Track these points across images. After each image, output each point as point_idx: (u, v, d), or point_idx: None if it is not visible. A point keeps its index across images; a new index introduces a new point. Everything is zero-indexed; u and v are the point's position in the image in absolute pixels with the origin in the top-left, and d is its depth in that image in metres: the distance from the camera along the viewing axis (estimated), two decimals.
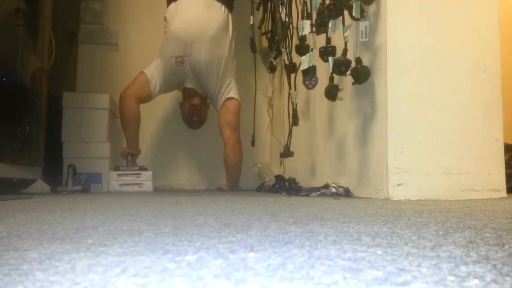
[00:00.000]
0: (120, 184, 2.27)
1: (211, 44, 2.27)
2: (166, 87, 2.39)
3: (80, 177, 2.21)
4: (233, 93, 2.38)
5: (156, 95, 2.38)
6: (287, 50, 2.03)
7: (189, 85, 2.37)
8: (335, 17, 1.48)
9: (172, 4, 2.35)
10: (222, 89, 2.36)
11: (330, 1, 1.51)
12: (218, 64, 2.32)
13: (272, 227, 0.61)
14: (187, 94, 2.43)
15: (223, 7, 2.34)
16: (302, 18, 1.77)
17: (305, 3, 1.75)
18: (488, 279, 0.32)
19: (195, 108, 2.43)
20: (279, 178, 2.05)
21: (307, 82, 1.62)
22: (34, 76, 1.94)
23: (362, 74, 1.43)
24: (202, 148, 2.78)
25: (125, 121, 2.34)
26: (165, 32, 2.36)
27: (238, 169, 2.42)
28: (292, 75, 1.97)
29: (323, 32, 1.55)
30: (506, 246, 0.45)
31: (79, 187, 2.08)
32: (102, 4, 2.78)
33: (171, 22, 2.30)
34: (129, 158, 2.36)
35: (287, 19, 2.03)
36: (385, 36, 1.40)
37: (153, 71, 2.33)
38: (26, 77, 1.89)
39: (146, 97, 2.35)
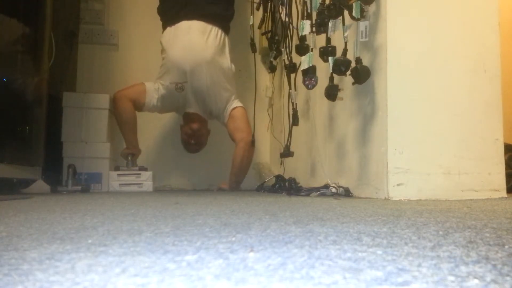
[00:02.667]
0: (120, 184, 2.27)
1: (210, 69, 2.30)
2: (160, 108, 2.42)
3: (80, 177, 2.21)
4: (237, 103, 2.42)
5: (147, 109, 2.39)
6: (287, 50, 2.03)
7: (191, 110, 2.41)
8: (335, 17, 1.48)
9: (168, 30, 2.36)
10: (227, 105, 2.40)
11: (330, 1, 1.51)
12: (219, 86, 2.35)
13: (272, 227, 0.61)
14: (188, 118, 2.46)
15: (219, 31, 2.36)
16: (302, 18, 1.77)
17: (305, 3, 1.75)
18: (488, 279, 0.32)
19: (194, 132, 2.44)
20: (279, 178, 2.05)
21: (307, 82, 1.62)
22: (34, 76, 1.94)
23: (362, 74, 1.43)
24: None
25: (121, 122, 2.34)
26: (163, 58, 2.37)
27: (243, 172, 2.43)
28: (292, 75, 1.97)
29: (323, 32, 1.55)
30: (506, 246, 0.45)
31: (79, 187, 2.08)
32: (102, 4, 2.77)
33: (168, 49, 2.32)
34: (129, 158, 2.36)
35: (287, 19, 2.03)
36: (385, 36, 1.40)
37: (152, 89, 2.35)
38: (26, 77, 1.89)
39: (138, 106, 2.36)
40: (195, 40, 2.30)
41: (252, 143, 2.48)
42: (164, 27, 2.41)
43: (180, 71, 2.29)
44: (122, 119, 2.33)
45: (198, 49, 2.29)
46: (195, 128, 2.42)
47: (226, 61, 2.37)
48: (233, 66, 2.42)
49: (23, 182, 1.97)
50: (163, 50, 2.38)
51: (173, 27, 2.34)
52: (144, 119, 2.49)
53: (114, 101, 2.32)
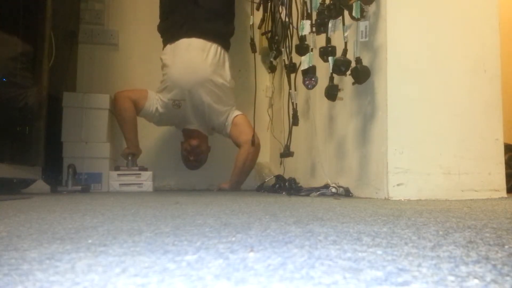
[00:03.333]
0: (120, 184, 2.27)
1: (210, 87, 2.31)
2: (157, 120, 2.43)
3: (80, 177, 2.21)
4: (236, 112, 2.43)
5: (145, 114, 2.39)
6: (287, 50, 2.03)
7: (191, 126, 2.42)
8: (335, 17, 1.48)
9: (168, 47, 2.37)
10: (228, 117, 2.42)
11: (330, 1, 1.51)
12: (219, 103, 2.37)
13: (272, 227, 0.61)
14: (188, 134, 2.47)
15: (219, 47, 2.37)
16: (302, 18, 1.77)
17: (305, 3, 1.75)
18: (488, 279, 0.32)
19: (193, 149, 2.45)
20: (279, 178, 2.05)
21: (307, 82, 1.62)
22: (34, 76, 1.94)
23: (362, 74, 1.43)
24: None
25: (122, 121, 2.34)
26: (163, 74, 2.38)
27: (245, 173, 2.43)
28: (292, 75, 1.97)
29: (323, 32, 1.55)
30: (506, 246, 0.45)
31: (79, 187, 2.08)
32: (102, 4, 2.78)
33: (168, 67, 2.33)
34: (130, 158, 2.36)
35: (287, 19, 2.03)
36: (385, 36, 1.40)
37: (155, 97, 2.36)
38: (25, 77, 1.89)
39: (137, 108, 2.36)
40: (195, 58, 2.31)
41: (252, 143, 2.48)
42: (164, 44, 2.42)
43: (179, 89, 2.30)
44: (123, 119, 2.33)
45: (198, 68, 2.30)
46: (194, 144, 2.43)
47: (226, 77, 2.38)
48: (233, 81, 2.44)
49: (23, 182, 1.97)
50: (163, 67, 2.38)
51: (173, 44, 2.35)
52: (145, 119, 2.49)
53: (115, 101, 2.33)
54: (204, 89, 2.30)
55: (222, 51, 2.39)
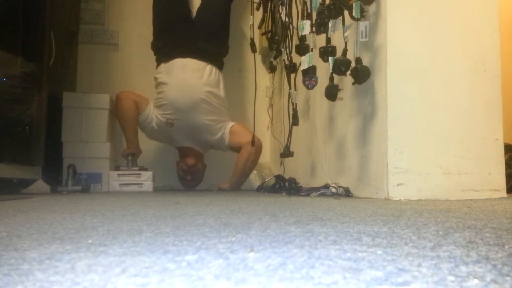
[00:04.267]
0: (120, 184, 2.27)
1: (206, 106, 2.31)
2: (150, 133, 2.42)
3: (80, 177, 2.21)
4: (230, 123, 2.43)
5: (142, 119, 2.37)
6: (287, 50, 2.03)
7: (186, 145, 2.41)
8: (335, 17, 1.48)
9: (162, 66, 2.36)
10: (225, 131, 2.41)
11: (330, 1, 1.51)
12: (214, 121, 2.36)
13: (272, 227, 0.61)
14: (183, 152, 2.47)
15: (213, 68, 2.36)
16: (302, 18, 1.77)
17: (305, 3, 1.75)
18: (488, 279, 0.32)
19: (190, 168, 2.44)
20: (279, 178, 2.05)
21: (307, 82, 1.62)
22: (34, 76, 1.94)
23: (362, 74, 1.43)
24: None
25: (124, 121, 2.34)
26: (158, 92, 2.37)
27: (246, 174, 2.43)
28: (292, 75, 1.97)
29: (323, 32, 1.55)
30: (506, 246, 0.45)
31: (79, 187, 2.08)
32: (102, 4, 2.78)
33: (163, 86, 2.32)
34: (130, 158, 2.36)
35: (287, 19, 2.03)
36: (385, 36, 1.40)
37: (152, 111, 2.35)
38: (25, 77, 1.89)
39: (139, 110, 2.36)
40: (190, 79, 2.30)
41: (252, 143, 2.48)
42: (158, 63, 2.41)
43: (173, 109, 2.30)
44: (125, 118, 2.33)
45: (194, 89, 2.30)
46: (191, 164, 2.42)
47: (220, 97, 2.38)
48: (226, 102, 2.44)
49: (23, 182, 1.97)
50: (158, 85, 2.37)
51: (167, 64, 2.34)
52: None
53: (117, 100, 2.33)
54: (200, 109, 2.30)
55: (217, 71, 2.39)
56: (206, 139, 2.41)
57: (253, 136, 2.47)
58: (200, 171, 2.49)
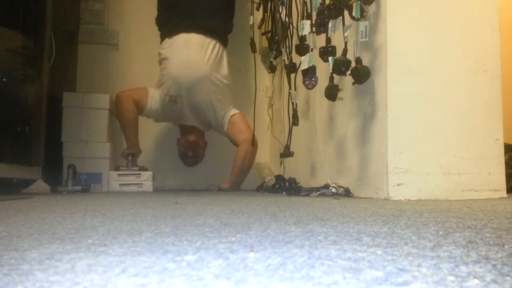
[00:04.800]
0: (120, 184, 2.27)
1: (208, 84, 2.31)
2: (159, 117, 2.43)
3: (80, 177, 2.21)
4: (234, 111, 2.43)
5: (147, 113, 2.39)
6: (287, 50, 2.03)
7: (188, 122, 2.42)
8: (335, 17, 1.48)
9: (166, 41, 2.36)
10: (225, 115, 2.41)
11: (330, 1, 1.51)
12: (216, 100, 2.36)
13: (272, 227, 0.61)
14: (185, 130, 2.47)
15: (217, 44, 2.36)
16: (302, 18, 1.77)
17: (305, 3, 1.75)
18: (488, 279, 0.32)
19: (191, 144, 2.45)
20: (279, 178, 2.05)
21: (307, 82, 1.62)
22: (34, 76, 1.94)
23: (362, 74, 1.43)
24: None
25: (123, 121, 2.34)
26: (161, 69, 2.37)
27: (244, 172, 2.43)
28: (292, 75, 1.97)
29: (323, 32, 1.55)
30: (506, 246, 0.45)
31: (79, 187, 2.08)
32: (102, 4, 2.78)
33: (166, 62, 2.32)
34: (130, 158, 2.36)
35: (287, 19, 2.03)
36: (385, 36, 1.40)
37: (155, 94, 2.36)
38: (25, 77, 1.89)
39: (139, 108, 2.37)
40: (193, 55, 2.30)
41: (252, 143, 2.48)
42: (162, 38, 2.41)
43: (176, 86, 2.30)
44: (125, 119, 2.33)
45: (196, 65, 2.30)
46: (192, 140, 2.43)
47: (223, 74, 2.38)
48: (230, 78, 2.43)
49: (23, 182, 1.97)
50: (161, 61, 2.38)
51: (171, 39, 2.34)
52: (145, 119, 2.49)
53: (117, 101, 2.33)
54: (202, 86, 2.30)
55: (221, 47, 2.39)
56: (208, 118, 2.41)
57: (253, 136, 2.47)
58: (201, 147, 2.50)
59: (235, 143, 2.43)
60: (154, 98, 2.35)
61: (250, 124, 2.44)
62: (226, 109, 2.42)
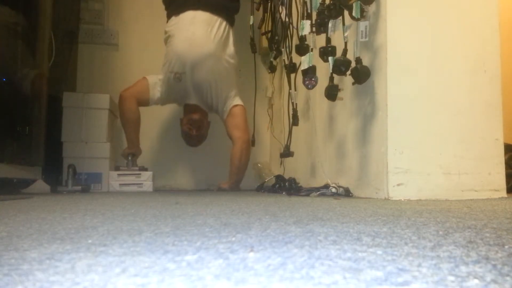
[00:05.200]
0: (120, 184, 2.27)
1: (213, 62, 2.28)
2: (164, 99, 2.41)
3: (80, 177, 2.21)
4: (237, 100, 2.40)
5: (154, 103, 2.39)
6: (287, 50, 2.03)
7: (191, 101, 2.39)
8: (335, 17, 1.48)
9: (173, 18, 2.35)
10: (228, 101, 2.38)
11: (330, 1, 1.51)
12: (221, 80, 2.33)
13: (272, 227, 0.61)
14: (188, 109, 2.45)
15: (224, 22, 2.34)
16: (302, 18, 1.77)
17: (305, 3, 1.75)
18: (488, 279, 0.32)
19: (195, 123, 2.43)
20: (279, 178, 2.05)
21: (307, 82, 1.62)
22: (34, 76, 1.94)
23: (362, 74, 1.43)
24: (202, 148, 2.78)
25: (125, 121, 2.34)
26: (167, 47, 2.36)
27: (242, 171, 2.42)
28: (292, 75, 1.97)
29: (323, 32, 1.55)
30: (506, 246, 0.45)
31: (79, 187, 2.08)
32: (102, 4, 2.78)
33: (172, 39, 2.30)
34: (130, 158, 2.36)
35: (287, 19, 2.03)
36: (385, 36, 1.40)
37: (155, 81, 2.34)
38: (25, 77, 1.89)
39: (144, 102, 2.36)
40: (199, 32, 2.27)
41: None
42: (168, 16, 2.39)
43: (180, 62, 2.27)
44: (127, 119, 2.33)
45: (202, 42, 2.27)
46: (196, 118, 2.41)
47: (229, 54, 2.35)
48: (236, 58, 2.40)
49: (23, 182, 1.97)
50: (166, 39, 2.35)
51: (178, 16, 2.32)
52: (145, 119, 2.49)
53: (119, 101, 2.32)
54: (206, 64, 2.27)
55: (227, 26, 2.36)
56: (210, 100, 2.38)
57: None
58: (204, 126, 2.48)
59: (229, 137, 2.42)
60: (155, 85, 2.33)
61: (251, 121, 2.43)
62: (229, 93, 2.38)
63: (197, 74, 2.28)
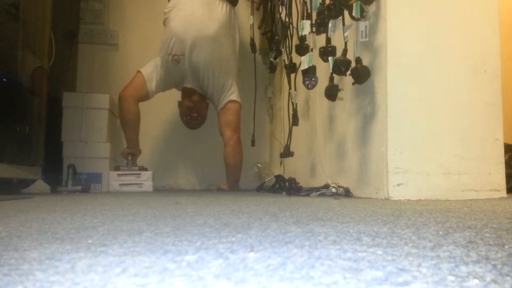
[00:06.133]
0: (120, 184, 2.27)
1: (212, 45, 2.24)
2: (163, 85, 2.36)
3: (80, 177, 2.21)
4: (234, 96, 2.37)
5: (154, 93, 2.35)
6: (287, 50, 2.03)
7: (188, 85, 2.35)
8: (335, 17, 1.48)
9: (173, 0, 2.31)
10: (224, 91, 2.34)
11: (330, 1, 1.51)
12: (219, 65, 2.29)
13: (272, 227, 0.61)
14: (186, 92, 2.41)
15: (225, 3, 2.29)
16: (302, 18, 1.77)
17: (305, 3, 1.75)
18: (488, 279, 0.32)
19: (195, 104, 2.39)
20: (279, 178, 2.05)
21: (307, 82, 1.62)
22: (34, 76, 1.94)
23: (362, 74, 1.43)
24: (202, 148, 2.79)
25: (125, 122, 2.34)
26: (165, 27, 2.32)
27: (238, 170, 2.41)
28: (292, 75, 1.97)
29: (323, 32, 1.55)
30: (506, 246, 0.45)
31: (79, 187, 2.08)
32: (102, 4, 2.78)
33: (171, 19, 2.26)
34: (129, 158, 2.36)
35: (287, 19, 2.03)
36: (385, 36, 1.40)
37: (150, 71, 2.31)
38: (25, 77, 1.89)
39: (144, 97, 2.34)
40: (200, 12, 2.24)
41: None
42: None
43: (179, 43, 2.23)
44: (126, 119, 2.32)
45: (201, 23, 2.23)
46: (195, 99, 2.37)
47: (231, 36, 2.31)
48: (238, 43, 2.36)
49: (23, 182, 1.97)
50: (165, 21, 2.32)
51: None
52: (145, 119, 2.49)
53: (119, 101, 2.32)
54: (205, 46, 2.23)
55: (229, 7, 2.31)
56: (206, 86, 2.33)
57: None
58: (204, 108, 2.45)
59: (220, 133, 2.39)
60: (151, 76, 2.29)
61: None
62: (226, 81, 2.33)
63: (196, 56, 2.24)
